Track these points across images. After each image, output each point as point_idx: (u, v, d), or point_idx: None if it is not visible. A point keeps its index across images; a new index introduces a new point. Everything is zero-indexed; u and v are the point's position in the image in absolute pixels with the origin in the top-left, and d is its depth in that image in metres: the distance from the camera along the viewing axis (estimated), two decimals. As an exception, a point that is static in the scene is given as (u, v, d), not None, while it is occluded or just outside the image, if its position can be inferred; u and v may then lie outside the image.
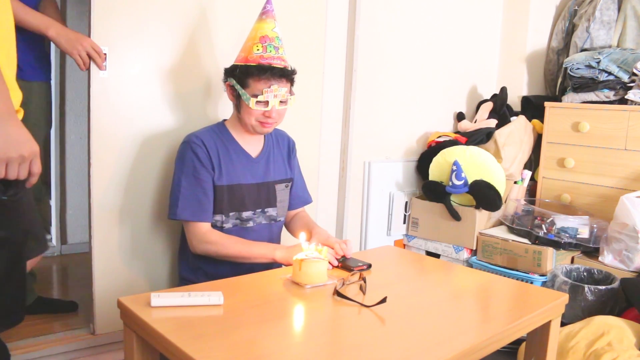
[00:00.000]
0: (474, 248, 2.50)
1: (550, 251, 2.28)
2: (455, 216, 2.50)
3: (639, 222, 2.16)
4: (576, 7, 2.97)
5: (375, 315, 1.19)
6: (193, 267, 1.69)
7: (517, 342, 1.75)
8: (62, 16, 2.83)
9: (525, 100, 3.00)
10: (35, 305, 2.04)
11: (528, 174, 2.80)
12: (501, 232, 2.48)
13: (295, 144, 1.86)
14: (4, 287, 1.13)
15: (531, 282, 2.25)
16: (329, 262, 1.47)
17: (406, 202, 2.71)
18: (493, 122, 2.77)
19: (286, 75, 1.61)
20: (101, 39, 1.68)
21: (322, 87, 2.31)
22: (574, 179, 2.64)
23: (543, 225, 2.36)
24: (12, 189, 1.05)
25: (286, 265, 1.55)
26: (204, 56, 1.92)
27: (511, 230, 2.48)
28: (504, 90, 2.89)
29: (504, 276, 2.02)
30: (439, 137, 2.72)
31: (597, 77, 2.61)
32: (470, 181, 2.42)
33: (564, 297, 1.39)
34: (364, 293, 1.32)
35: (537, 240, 2.33)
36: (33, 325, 1.94)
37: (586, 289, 2.06)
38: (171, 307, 1.15)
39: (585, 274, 2.27)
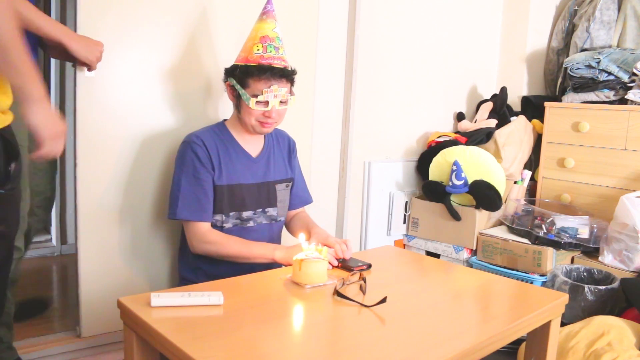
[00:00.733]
0: (474, 248, 2.50)
1: (550, 251, 2.28)
2: (455, 216, 2.50)
3: (639, 222, 2.16)
4: (576, 7, 2.97)
5: (375, 315, 1.19)
6: (193, 267, 1.69)
7: (517, 342, 1.75)
8: (46, 10, 2.82)
9: (525, 100, 3.00)
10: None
11: (528, 174, 2.80)
12: (501, 232, 2.48)
13: (296, 144, 1.87)
14: None
15: (531, 282, 2.25)
16: (329, 262, 1.47)
17: (406, 202, 2.71)
18: (493, 122, 2.77)
19: (286, 75, 1.61)
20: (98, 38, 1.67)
21: (314, 87, 2.30)
22: (574, 179, 2.64)
23: (543, 225, 2.36)
24: (10, 182, 1.06)
25: (286, 266, 1.55)
26: (204, 56, 1.92)
27: (511, 230, 2.48)
28: (504, 90, 2.89)
29: (504, 276, 2.02)
30: (439, 137, 2.72)
31: (597, 77, 2.61)
32: (470, 181, 2.42)
33: (564, 297, 1.39)
34: (364, 293, 1.32)
35: (537, 240, 2.33)
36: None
37: (586, 289, 2.06)
38: (171, 307, 1.15)
39: (585, 274, 2.27)
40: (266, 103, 1.59)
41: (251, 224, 1.71)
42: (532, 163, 2.87)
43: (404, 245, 2.75)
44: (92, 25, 1.65)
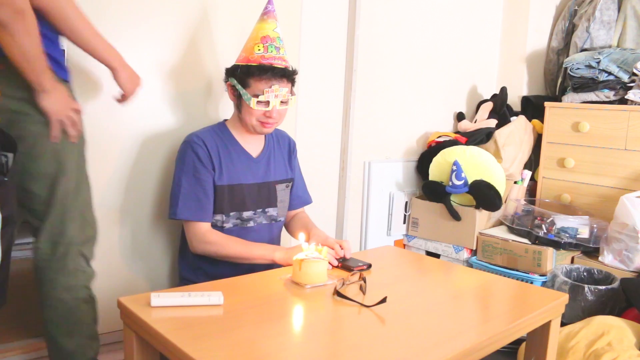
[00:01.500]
0: (474, 248, 2.50)
1: (550, 251, 2.29)
2: (455, 216, 2.50)
3: (639, 222, 2.16)
4: (576, 7, 2.97)
5: (375, 315, 1.19)
6: (193, 267, 1.70)
7: (517, 342, 1.75)
8: None
9: (525, 100, 3.00)
10: None
11: (528, 174, 2.80)
12: (501, 232, 2.48)
13: (296, 144, 1.87)
14: (2, 267, 1.16)
15: (531, 282, 2.25)
16: (329, 262, 1.47)
17: (406, 202, 2.71)
18: (493, 122, 2.78)
19: (287, 75, 1.61)
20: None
21: (296, 88, 2.30)
22: (574, 179, 2.64)
23: (543, 225, 2.36)
24: (11, 170, 1.10)
25: (286, 267, 1.55)
26: (205, 56, 1.92)
27: (511, 230, 2.48)
28: (504, 90, 2.89)
29: (504, 276, 2.02)
30: (439, 137, 2.72)
31: (597, 77, 2.61)
32: (470, 181, 2.42)
33: (564, 297, 1.39)
34: (364, 293, 1.32)
35: (537, 240, 2.33)
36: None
37: (586, 289, 2.06)
38: (171, 307, 1.15)
39: (585, 274, 2.27)
40: (267, 103, 1.59)
41: (251, 224, 1.71)
42: (532, 163, 2.87)
43: (404, 245, 2.75)
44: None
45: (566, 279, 2.15)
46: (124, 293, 1.64)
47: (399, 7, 2.59)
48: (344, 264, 1.51)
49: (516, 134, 2.72)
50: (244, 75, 1.59)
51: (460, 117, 2.94)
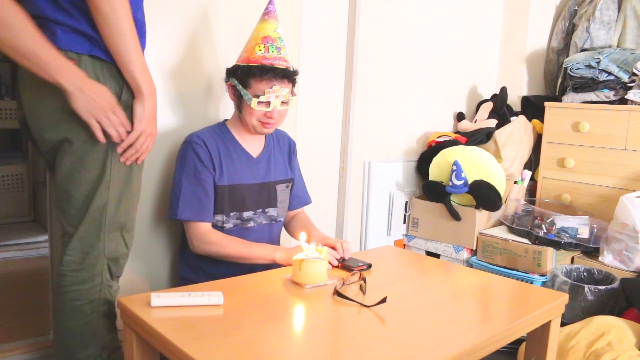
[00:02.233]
0: (474, 248, 2.50)
1: (550, 251, 2.29)
2: (455, 216, 2.50)
3: (639, 222, 2.16)
4: (576, 7, 2.97)
5: (375, 315, 1.19)
6: (193, 267, 1.70)
7: (517, 342, 1.75)
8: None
9: (525, 100, 3.00)
10: None
11: (528, 174, 2.80)
12: (501, 232, 2.48)
13: (296, 145, 1.87)
14: None
15: (531, 282, 2.26)
16: (329, 262, 1.47)
17: (406, 202, 2.71)
18: (493, 122, 2.78)
19: (288, 76, 1.61)
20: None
21: (296, 88, 2.30)
22: (574, 179, 2.64)
23: (543, 225, 2.36)
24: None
25: (286, 267, 1.55)
26: (206, 56, 1.92)
27: (511, 230, 2.48)
28: (504, 90, 2.89)
29: (504, 276, 2.02)
30: (439, 137, 2.72)
31: (597, 77, 2.61)
32: (470, 181, 2.42)
33: (564, 297, 1.39)
34: (364, 293, 1.32)
35: (537, 240, 2.34)
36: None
37: (586, 289, 2.06)
38: (171, 307, 1.15)
39: (585, 274, 2.27)
40: (268, 103, 1.59)
41: (251, 224, 1.71)
42: (532, 163, 2.87)
43: (404, 245, 2.75)
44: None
45: (566, 279, 2.15)
46: (124, 293, 1.63)
47: (399, 7, 2.59)
48: (344, 264, 1.51)
49: (516, 134, 2.72)
50: (244, 76, 1.59)
51: (460, 117, 2.95)
